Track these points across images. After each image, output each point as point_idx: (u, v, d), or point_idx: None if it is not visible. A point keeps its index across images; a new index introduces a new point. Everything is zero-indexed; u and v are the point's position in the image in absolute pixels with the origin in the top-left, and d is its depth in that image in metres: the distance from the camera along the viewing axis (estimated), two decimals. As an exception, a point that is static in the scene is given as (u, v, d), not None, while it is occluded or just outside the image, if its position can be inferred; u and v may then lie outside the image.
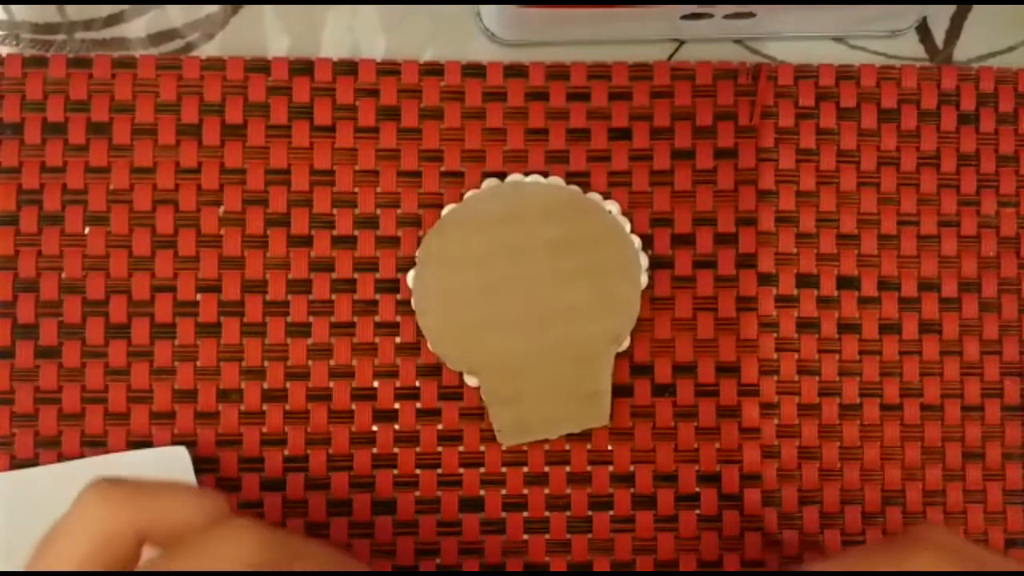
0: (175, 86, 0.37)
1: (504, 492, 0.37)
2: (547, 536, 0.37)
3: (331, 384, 0.37)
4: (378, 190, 0.37)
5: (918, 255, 0.39)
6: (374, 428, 0.37)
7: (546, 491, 0.37)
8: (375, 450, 0.37)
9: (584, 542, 0.37)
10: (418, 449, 0.37)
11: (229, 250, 0.37)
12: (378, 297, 0.37)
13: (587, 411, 0.36)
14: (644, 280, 0.37)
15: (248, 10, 0.38)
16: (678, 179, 0.38)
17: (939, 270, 0.39)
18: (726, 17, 0.36)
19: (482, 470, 0.37)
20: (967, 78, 0.39)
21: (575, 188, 0.37)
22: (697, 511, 0.37)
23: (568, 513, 0.37)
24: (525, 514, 0.37)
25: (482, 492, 0.37)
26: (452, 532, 0.37)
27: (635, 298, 0.37)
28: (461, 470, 0.37)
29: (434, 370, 0.37)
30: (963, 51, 0.40)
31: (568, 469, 0.37)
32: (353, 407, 0.37)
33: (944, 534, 0.29)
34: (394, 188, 0.37)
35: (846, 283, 0.38)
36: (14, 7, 0.38)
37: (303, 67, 0.38)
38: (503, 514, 0.37)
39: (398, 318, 0.37)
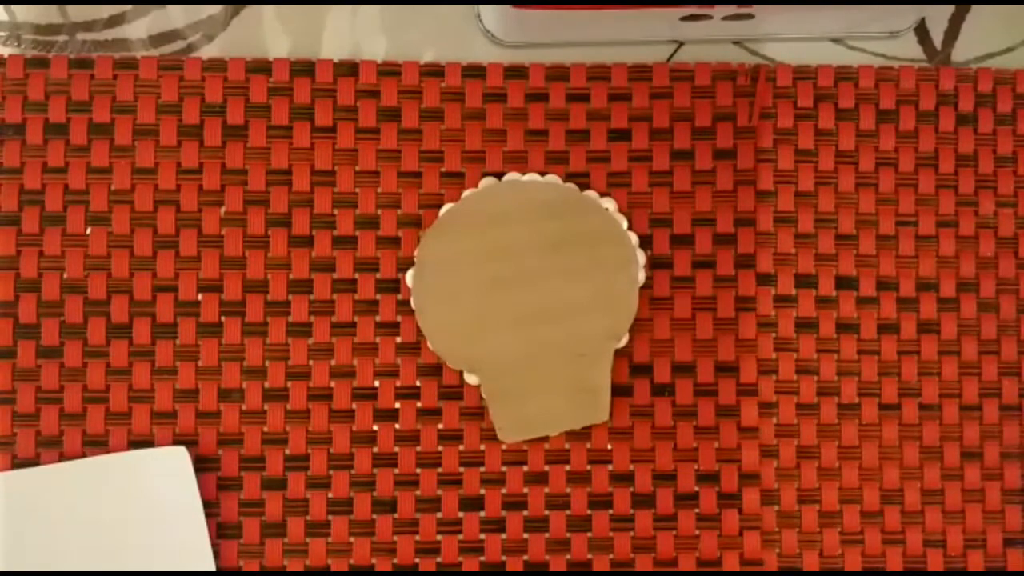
0: (176, 87, 0.37)
1: (504, 491, 0.37)
2: (547, 535, 0.37)
3: (332, 384, 0.37)
4: (379, 190, 0.38)
5: (916, 255, 0.39)
6: (375, 427, 0.37)
7: (546, 490, 0.37)
8: (376, 449, 0.37)
9: (584, 541, 0.37)
10: (418, 448, 0.37)
11: (230, 250, 0.37)
12: (379, 297, 0.37)
13: (587, 407, 0.36)
14: (642, 276, 0.37)
15: (249, 11, 0.38)
16: (677, 180, 0.38)
17: (938, 270, 0.39)
18: (725, 18, 0.36)
19: (482, 469, 0.37)
20: (965, 79, 0.39)
21: (571, 186, 0.37)
22: (696, 510, 0.37)
23: (568, 512, 0.37)
24: (525, 513, 0.37)
25: (482, 491, 0.37)
26: (452, 531, 0.37)
27: (633, 294, 0.37)
28: (461, 469, 0.37)
29: (434, 370, 0.37)
30: (961, 52, 0.40)
31: (568, 468, 0.37)
32: (354, 407, 0.37)
33: None
34: (395, 188, 0.38)
35: (845, 283, 0.38)
36: (16, 8, 0.38)
37: (304, 68, 0.38)
38: (503, 513, 0.37)
39: (399, 318, 0.37)
